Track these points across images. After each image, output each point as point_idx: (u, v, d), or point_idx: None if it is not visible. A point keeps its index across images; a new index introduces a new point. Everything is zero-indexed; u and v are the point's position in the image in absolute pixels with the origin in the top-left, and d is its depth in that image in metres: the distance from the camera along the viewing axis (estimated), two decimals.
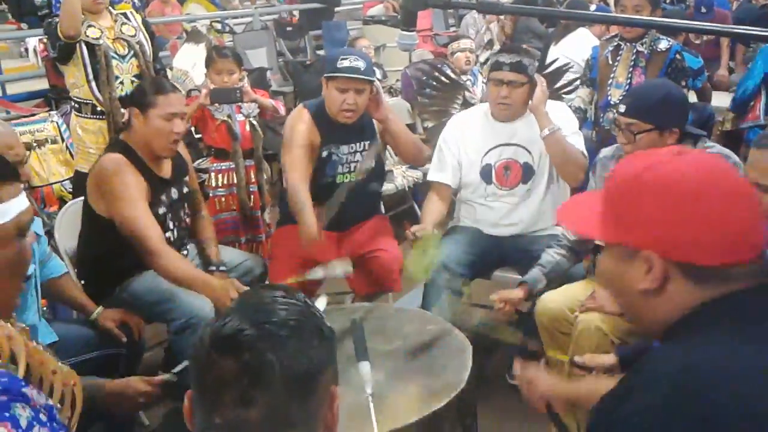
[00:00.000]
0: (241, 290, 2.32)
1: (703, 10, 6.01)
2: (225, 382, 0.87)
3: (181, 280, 2.38)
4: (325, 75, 2.69)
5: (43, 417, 1.05)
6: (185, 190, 2.68)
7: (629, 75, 3.32)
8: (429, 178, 2.96)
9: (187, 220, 2.69)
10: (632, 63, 3.32)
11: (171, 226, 2.59)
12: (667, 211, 0.96)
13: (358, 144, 2.78)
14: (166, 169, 2.61)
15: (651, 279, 0.98)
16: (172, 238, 2.58)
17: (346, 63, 2.61)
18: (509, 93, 2.71)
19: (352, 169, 2.78)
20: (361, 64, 2.62)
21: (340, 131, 2.73)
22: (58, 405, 1.16)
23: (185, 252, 2.73)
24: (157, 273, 2.41)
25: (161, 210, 2.52)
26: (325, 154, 2.74)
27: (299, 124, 2.74)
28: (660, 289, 0.99)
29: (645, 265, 0.99)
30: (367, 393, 1.67)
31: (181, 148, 2.79)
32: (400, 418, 1.74)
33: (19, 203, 1.21)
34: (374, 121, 2.81)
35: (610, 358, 1.98)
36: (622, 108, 2.23)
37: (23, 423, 1.01)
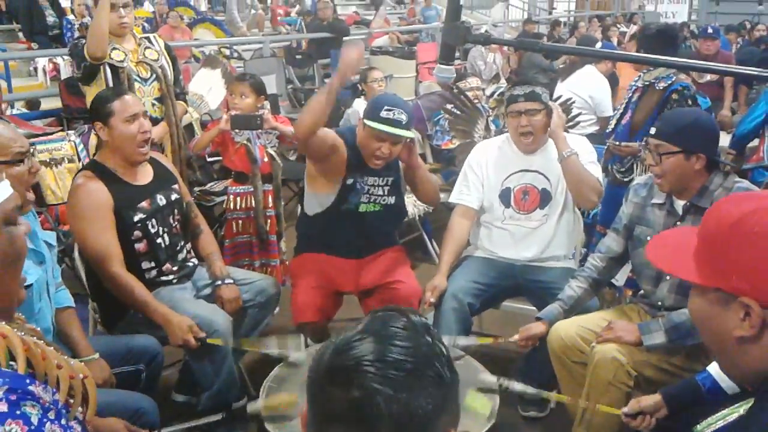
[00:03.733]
0: (198, 334, 2.37)
1: (710, 30, 6.21)
2: (333, 414, 0.86)
3: (139, 306, 2.42)
4: (365, 119, 2.65)
5: (51, 415, 1.06)
6: (174, 196, 2.68)
7: (624, 109, 3.43)
8: (453, 200, 3.00)
9: (178, 226, 2.70)
10: (628, 97, 3.43)
11: (161, 231, 2.59)
12: None
13: (380, 179, 2.80)
14: (143, 178, 2.61)
15: (748, 326, 0.96)
16: (163, 244, 2.61)
17: (389, 115, 2.57)
18: (528, 121, 2.80)
19: (374, 201, 2.81)
20: (403, 118, 2.58)
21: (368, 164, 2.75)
22: (70, 400, 1.15)
23: (190, 264, 2.74)
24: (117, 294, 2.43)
25: (138, 216, 2.52)
26: (350, 181, 2.75)
27: (335, 137, 2.71)
28: (756, 337, 0.97)
29: (742, 311, 0.97)
30: None
31: (166, 161, 2.82)
32: None
33: (2, 191, 1.18)
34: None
35: (653, 399, 2.00)
36: (653, 130, 2.29)
37: (34, 420, 1.03)
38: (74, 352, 2.19)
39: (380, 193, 2.81)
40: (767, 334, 0.96)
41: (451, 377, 0.90)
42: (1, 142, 1.94)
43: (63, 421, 1.08)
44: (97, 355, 2.20)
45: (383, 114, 2.58)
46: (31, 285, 1.99)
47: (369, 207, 2.81)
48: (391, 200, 2.84)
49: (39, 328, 2.02)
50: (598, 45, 6.08)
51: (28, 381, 1.07)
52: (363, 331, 0.90)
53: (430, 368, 0.88)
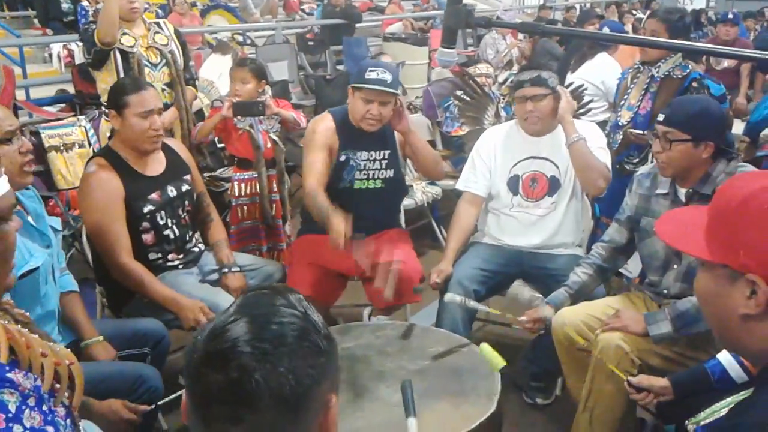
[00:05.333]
0: (209, 315, 2.37)
1: (731, 15, 6.11)
2: (213, 398, 0.86)
3: (149, 294, 2.44)
4: (352, 84, 2.73)
5: (31, 401, 1.06)
6: (185, 188, 2.69)
7: (641, 98, 3.34)
8: (460, 187, 2.99)
9: (187, 217, 2.71)
10: (645, 86, 3.33)
11: (169, 223, 2.61)
12: None
13: (377, 152, 2.83)
14: (155, 168, 2.62)
15: (753, 304, 0.96)
16: (171, 236, 2.63)
17: (373, 75, 2.66)
18: (534, 107, 2.79)
19: (370, 176, 2.84)
20: (387, 77, 2.67)
21: (361, 138, 2.78)
22: (56, 385, 1.15)
23: (196, 250, 2.76)
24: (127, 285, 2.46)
25: (148, 207, 2.53)
26: (343, 158, 2.79)
27: (320, 126, 2.81)
28: (761, 316, 0.96)
29: (748, 289, 0.96)
30: None
31: (183, 150, 2.82)
32: None
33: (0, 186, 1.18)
34: (395, 132, 2.87)
35: (662, 382, 2.00)
36: (661, 117, 2.26)
37: (12, 408, 1.03)
38: (79, 334, 2.21)
39: (377, 167, 2.83)
40: None
41: (328, 346, 0.92)
42: None
43: (45, 408, 1.08)
44: (101, 338, 2.22)
45: (368, 75, 2.65)
46: (38, 268, 2.00)
47: (368, 183, 2.84)
48: (390, 173, 2.86)
49: (44, 311, 2.06)
50: (605, 28, 5.97)
51: (7, 368, 1.07)
52: (237, 312, 0.91)
53: (307, 340, 0.90)
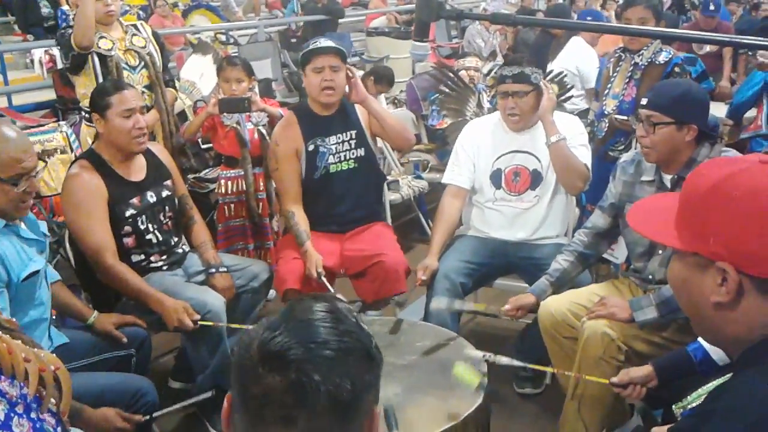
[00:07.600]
0: (193, 316, 2.38)
1: (712, 7, 6.06)
2: (269, 399, 0.85)
3: (133, 294, 2.45)
4: (300, 60, 2.85)
5: (19, 409, 1.06)
6: (165, 193, 2.68)
7: (625, 86, 3.33)
8: (444, 181, 3.00)
9: (170, 223, 2.70)
10: (629, 74, 3.33)
11: (151, 228, 2.61)
12: (746, 223, 0.93)
13: (344, 134, 2.90)
14: (137, 173, 2.62)
15: (724, 292, 0.96)
16: (154, 240, 2.62)
17: (316, 44, 2.82)
18: (516, 103, 2.78)
19: (342, 158, 2.91)
20: (330, 43, 2.80)
21: (326, 123, 2.87)
22: (42, 390, 1.15)
23: (180, 251, 2.75)
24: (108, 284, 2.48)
25: (129, 212, 2.54)
26: (311, 147, 2.86)
27: (281, 133, 2.91)
28: (733, 303, 0.96)
29: (719, 276, 0.96)
30: None
31: (164, 155, 2.81)
32: None
33: None
34: (357, 110, 2.93)
35: (644, 370, 2.00)
36: (644, 101, 2.26)
37: (0, 416, 1.03)
38: (79, 317, 2.33)
39: (347, 147, 2.91)
40: (744, 300, 0.95)
41: (378, 355, 0.92)
42: (6, 159, 1.92)
43: (33, 415, 1.07)
44: (96, 312, 2.35)
45: (311, 46, 2.83)
46: (38, 272, 2.03)
47: (341, 165, 2.91)
48: (361, 152, 2.93)
49: (37, 314, 2.07)
50: (588, 19, 5.94)
51: None
52: (287, 320, 0.90)
53: (360, 346, 0.90)
